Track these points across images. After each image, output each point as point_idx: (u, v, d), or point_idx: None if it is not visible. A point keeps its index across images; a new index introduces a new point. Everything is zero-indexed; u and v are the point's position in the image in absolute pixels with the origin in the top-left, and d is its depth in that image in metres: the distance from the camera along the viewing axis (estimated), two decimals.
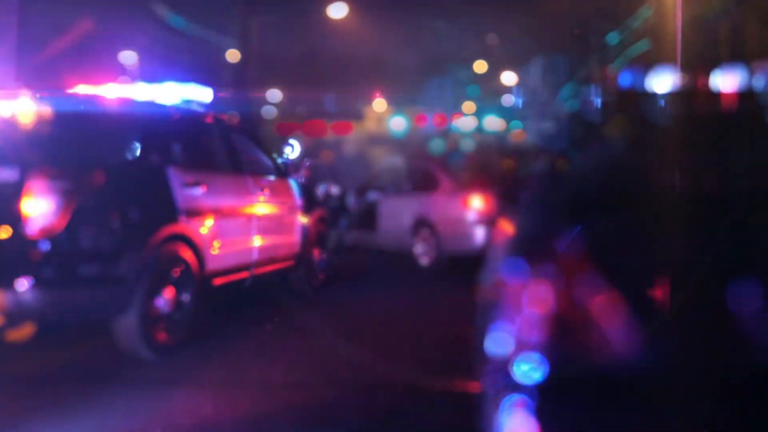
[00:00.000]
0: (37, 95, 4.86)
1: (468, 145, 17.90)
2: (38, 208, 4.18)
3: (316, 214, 7.44)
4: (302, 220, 7.15)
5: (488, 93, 21.08)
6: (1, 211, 4.22)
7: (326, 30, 18.25)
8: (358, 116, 22.03)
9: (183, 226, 5.09)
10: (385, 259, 10.29)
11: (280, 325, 6.01)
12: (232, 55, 17.01)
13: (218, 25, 16.63)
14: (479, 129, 19.50)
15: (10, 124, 4.76)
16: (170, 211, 5.03)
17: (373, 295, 7.68)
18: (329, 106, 21.72)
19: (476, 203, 9.12)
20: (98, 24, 13.80)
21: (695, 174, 2.24)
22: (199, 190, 5.33)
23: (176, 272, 4.98)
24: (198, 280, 5.19)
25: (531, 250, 2.20)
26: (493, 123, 19.54)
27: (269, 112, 21.34)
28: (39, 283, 4.16)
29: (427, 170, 10.17)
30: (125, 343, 4.70)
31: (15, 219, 4.16)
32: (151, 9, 15.00)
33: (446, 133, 19.33)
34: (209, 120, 6.28)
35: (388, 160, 13.98)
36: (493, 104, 20.64)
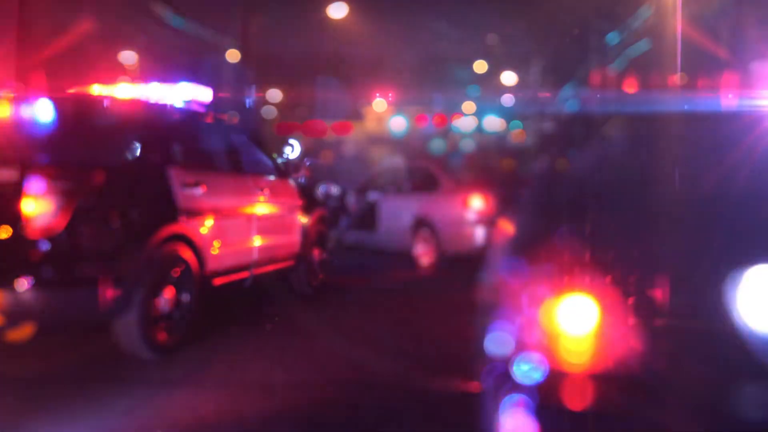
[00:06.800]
0: (37, 95, 4.85)
1: (468, 145, 17.89)
2: (38, 208, 4.18)
3: (316, 214, 7.44)
4: (302, 220, 7.15)
5: (488, 93, 21.03)
6: (1, 211, 4.22)
7: (326, 30, 18.22)
8: (358, 116, 21.99)
9: (183, 226, 5.09)
10: (385, 259, 10.29)
11: (280, 325, 6.01)
12: (232, 55, 16.99)
13: (218, 25, 16.60)
14: (479, 129, 19.47)
15: (10, 123, 4.76)
16: (170, 211, 5.03)
17: (373, 295, 7.69)
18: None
19: (476, 203, 9.12)
20: (98, 24, 13.78)
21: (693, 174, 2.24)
22: (199, 190, 5.33)
23: (176, 272, 4.98)
24: (198, 280, 5.19)
25: (531, 249, 2.20)
26: (493, 123, 19.50)
27: (269, 112, 21.29)
28: (39, 283, 4.16)
29: (427, 170, 10.17)
30: (125, 343, 4.70)
31: (15, 219, 4.16)
32: (151, 9, 14.99)
33: (446, 133, 19.31)
34: (209, 120, 6.28)
35: (388, 160, 13.96)
36: (493, 104, 20.58)
